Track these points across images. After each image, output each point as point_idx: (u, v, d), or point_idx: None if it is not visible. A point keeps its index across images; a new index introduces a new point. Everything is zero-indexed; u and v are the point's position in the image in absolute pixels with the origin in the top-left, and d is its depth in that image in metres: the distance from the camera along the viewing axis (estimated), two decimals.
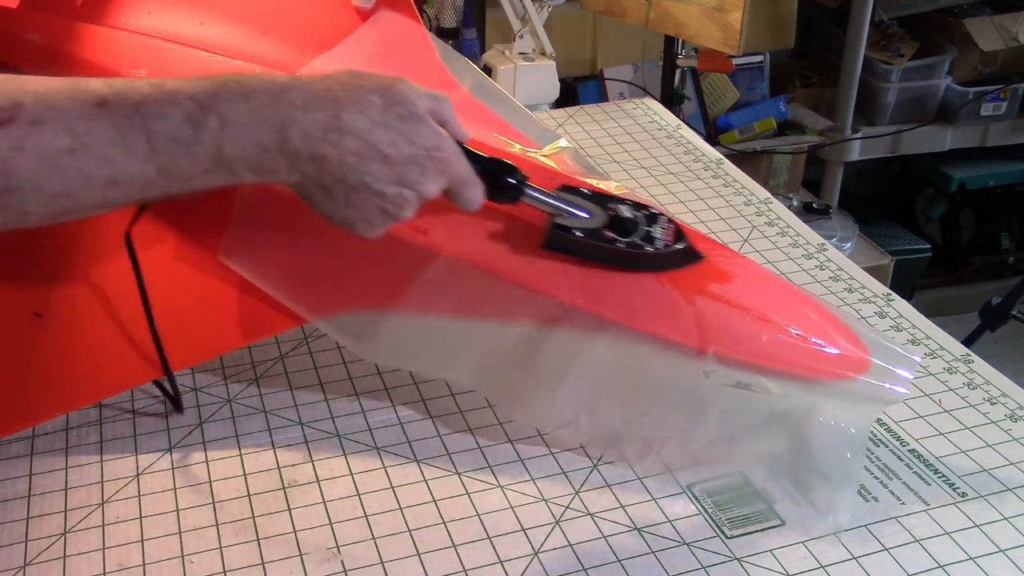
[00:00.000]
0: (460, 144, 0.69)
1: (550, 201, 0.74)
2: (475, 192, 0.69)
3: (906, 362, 0.76)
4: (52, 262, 0.81)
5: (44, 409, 0.80)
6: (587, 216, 0.75)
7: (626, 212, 0.76)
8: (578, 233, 0.74)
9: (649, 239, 0.75)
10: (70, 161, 0.53)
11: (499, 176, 0.71)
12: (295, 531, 0.74)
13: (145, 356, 0.80)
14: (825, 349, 0.75)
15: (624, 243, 0.74)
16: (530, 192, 0.73)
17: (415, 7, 0.91)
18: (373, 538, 0.74)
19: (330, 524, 0.75)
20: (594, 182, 0.82)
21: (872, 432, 0.84)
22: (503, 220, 0.76)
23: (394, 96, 0.63)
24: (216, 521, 0.75)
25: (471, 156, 0.69)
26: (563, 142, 0.88)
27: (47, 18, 0.90)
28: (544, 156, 0.85)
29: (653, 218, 0.77)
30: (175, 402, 0.84)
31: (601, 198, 0.77)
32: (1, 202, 0.53)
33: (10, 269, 0.81)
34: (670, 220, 0.78)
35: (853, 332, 0.77)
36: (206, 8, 0.90)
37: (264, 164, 0.59)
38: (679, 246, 0.76)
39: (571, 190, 0.77)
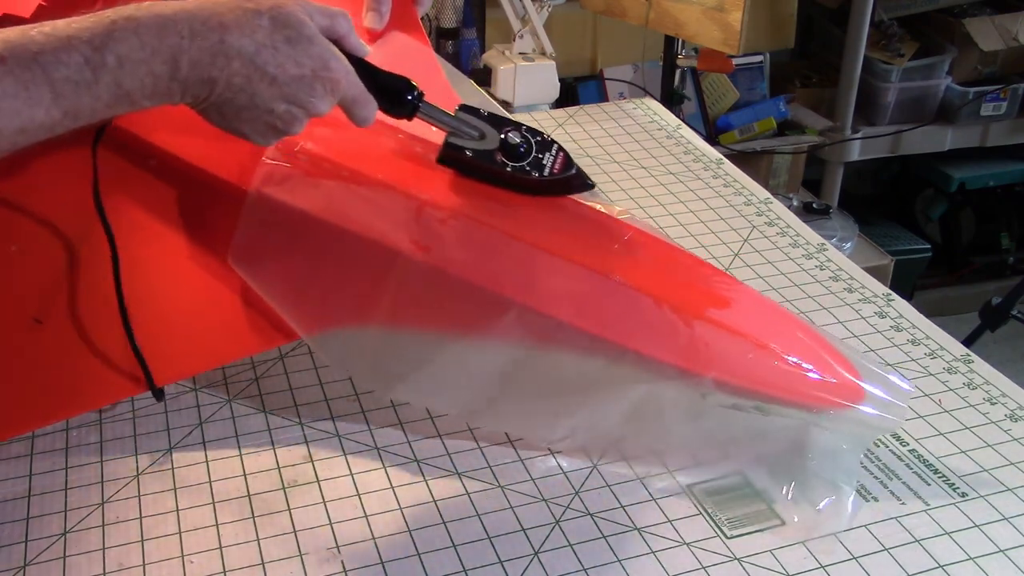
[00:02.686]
0: (358, 60, 0.71)
1: (444, 119, 0.78)
2: (367, 110, 0.72)
3: (899, 392, 0.78)
4: (52, 268, 0.81)
5: (44, 414, 0.80)
6: (478, 135, 0.79)
7: (517, 138, 0.79)
8: (468, 153, 0.78)
9: (538, 165, 0.79)
10: None
11: (396, 92, 0.74)
12: (295, 531, 0.74)
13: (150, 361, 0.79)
14: (821, 378, 0.76)
15: (512, 167, 0.78)
16: (425, 109, 0.76)
17: (423, 30, 0.92)
18: (373, 538, 0.74)
19: (330, 524, 0.75)
20: (599, 207, 0.84)
21: None
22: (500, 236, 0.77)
23: (282, 18, 0.65)
24: (216, 521, 0.75)
25: (369, 71, 0.72)
26: None
27: None
28: None
29: (546, 146, 0.80)
30: (155, 392, 0.82)
31: (498, 121, 0.80)
32: None
33: (10, 275, 0.81)
34: (560, 149, 0.81)
35: (849, 361, 0.78)
36: None
37: (159, 91, 0.62)
38: (567, 174, 0.80)
39: (469, 110, 0.80)
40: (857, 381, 0.76)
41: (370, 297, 0.78)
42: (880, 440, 0.83)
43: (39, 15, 0.91)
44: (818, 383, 0.76)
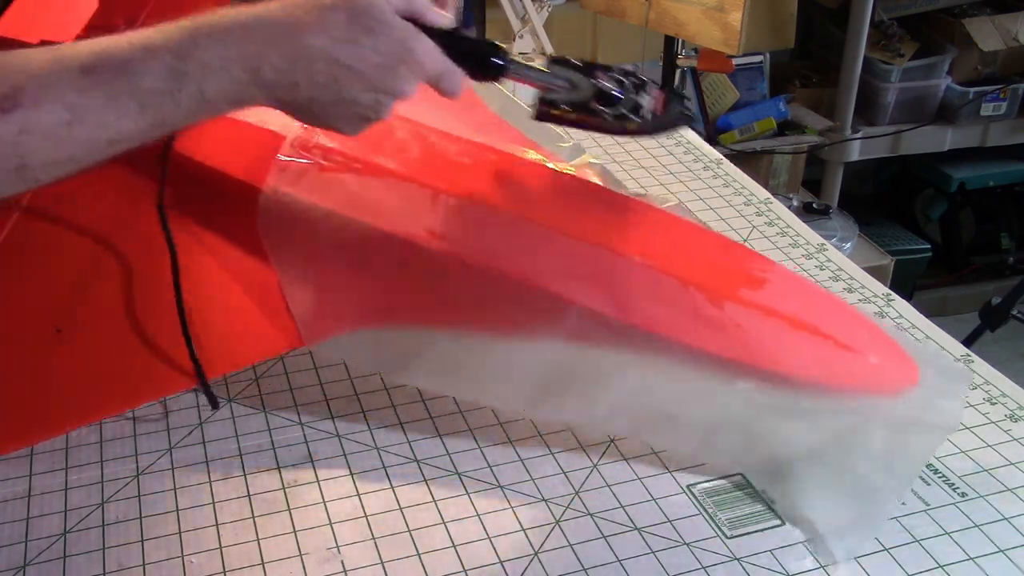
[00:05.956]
0: (440, 32, 0.70)
1: (532, 75, 0.75)
2: (452, 82, 0.71)
3: (957, 373, 0.74)
4: (74, 274, 0.81)
5: (65, 421, 0.78)
6: (570, 87, 0.76)
7: (609, 83, 0.76)
8: (565, 106, 0.76)
9: (635, 108, 0.76)
10: (69, 132, 0.57)
11: (482, 57, 0.73)
12: (295, 531, 0.74)
13: (178, 365, 0.78)
14: (867, 360, 0.72)
15: (609, 114, 0.75)
16: (515, 67, 0.73)
17: None
18: (373, 538, 0.74)
19: (330, 524, 0.75)
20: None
21: None
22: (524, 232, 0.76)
23: (358, 8, 0.64)
24: (216, 521, 0.75)
25: (452, 42, 0.70)
26: (591, 159, 0.88)
27: None
28: (570, 168, 0.85)
29: (641, 86, 0.77)
30: (211, 400, 0.82)
31: (591, 68, 0.77)
32: (17, 177, 0.56)
33: (30, 285, 0.81)
34: (656, 85, 0.78)
35: (898, 343, 0.74)
36: None
37: (242, 97, 0.63)
38: (668, 113, 0.77)
39: (560, 61, 0.77)
40: (909, 363, 0.72)
41: (389, 293, 0.77)
42: None
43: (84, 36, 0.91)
44: (865, 366, 0.72)
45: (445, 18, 0.71)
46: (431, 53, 0.68)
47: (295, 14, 0.63)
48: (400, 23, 0.66)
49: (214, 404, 0.84)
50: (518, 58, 0.73)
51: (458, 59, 0.70)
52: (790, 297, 0.75)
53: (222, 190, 0.81)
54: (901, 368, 0.73)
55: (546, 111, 0.76)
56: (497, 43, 0.73)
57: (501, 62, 0.72)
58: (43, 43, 0.89)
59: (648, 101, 0.76)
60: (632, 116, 0.76)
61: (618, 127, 0.76)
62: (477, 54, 0.72)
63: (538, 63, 0.75)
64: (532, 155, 0.83)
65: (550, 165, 0.81)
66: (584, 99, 0.75)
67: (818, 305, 0.77)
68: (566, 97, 0.75)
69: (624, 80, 0.76)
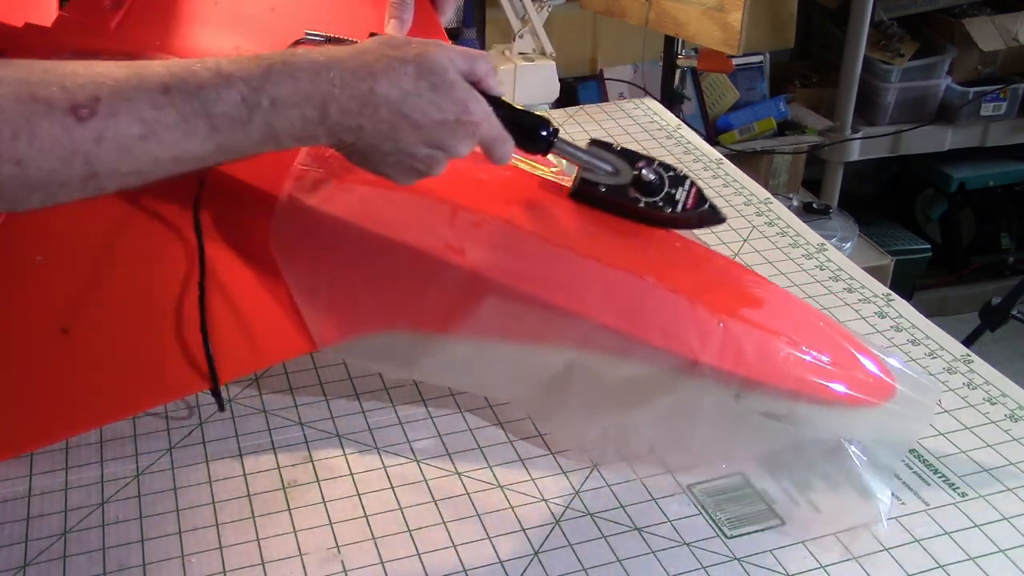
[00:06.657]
0: (494, 98, 0.72)
1: (578, 154, 0.79)
2: (505, 149, 0.73)
3: (928, 390, 0.77)
4: (82, 275, 0.80)
5: (75, 424, 0.77)
6: (612, 171, 0.80)
7: (650, 174, 0.79)
8: (602, 188, 0.79)
9: (671, 201, 0.79)
10: (141, 146, 0.58)
11: (531, 129, 0.75)
12: (295, 531, 0.74)
13: (188, 368, 0.77)
14: (852, 375, 0.75)
15: (645, 202, 0.79)
16: (560, 144, 0.76)
17: (447, 37, 0.92)
18: (373, 538, 0.74)
19: (330, 524, 0.75)
20: None
21: None
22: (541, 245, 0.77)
23: (427, 65, 0.67)
24: (216, 521, 0.75)
25: (505, 108, 0.73)
26: None
27: (80, 40, 0.90)
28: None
29: (678, 180, 0.81)
30: (219, 402, 0.81)
31: (631, 156, 0.81)
32: (85, 184, 0.58)
33: (36, 285, 0.80)
34: (693, 184, 0.81)
35: (880, 359, 0.77)
36: (241, 37, 0.91)
37: (307, 134, 0.65)
38: (700, 209, 0.80)
39: (602, 145, 0.81)
40: (888, 379, 0.76)
41: (403, 302, 0.78)
42: None
43: (60, 24, 0.91)
44: (850, 380, 0.75)
45: (500, 87, 0.74)
46: (489, 117, 0.70)
47: (367, 60, 0.65)
48: (463, 84, 0.69)
49: (221, 407, 0.83)
50: (565, 136, 0.77)
51: (508, 128, 0.72)
52: (784, 315, 0.79)
53: (241, 196, 0.81)
54: (881, 383, 0.76)
55: (584, 190, 0.80)
56: (548, 118, 0.76)
57: (548, 136, 0.75)
58: (27, 26, 0.90)
59: (682, 195, 0.80)
60: (665, 208, 0.79)
61: (650, 216, 0.79)
62: (529, 126, 0.75)
63: (582, 144, 0.79)
64: (543, 170, 0.84)
65: (560, 181, 0.82)
66: (622, 184, 0.79)
67: (809, 322, 0.80)
68: (605, 180, 0.79)
69: (663, 173, 0.80)
